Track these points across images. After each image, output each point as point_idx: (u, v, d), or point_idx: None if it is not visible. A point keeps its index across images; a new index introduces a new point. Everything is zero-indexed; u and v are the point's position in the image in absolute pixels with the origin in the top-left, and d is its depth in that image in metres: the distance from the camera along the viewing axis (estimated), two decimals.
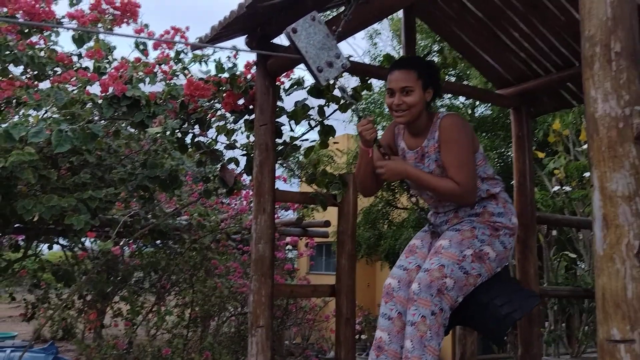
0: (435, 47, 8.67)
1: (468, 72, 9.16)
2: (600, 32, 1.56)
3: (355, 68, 3.57)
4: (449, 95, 9.30)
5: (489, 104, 8.93)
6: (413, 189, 2.57)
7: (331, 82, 2.43)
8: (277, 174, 3.82)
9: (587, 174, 5.13)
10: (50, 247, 5.75)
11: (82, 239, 5.78)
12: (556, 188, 5.76)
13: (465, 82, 9.09)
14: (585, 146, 5.64)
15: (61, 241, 5.86)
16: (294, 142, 3.70)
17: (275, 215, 6.67)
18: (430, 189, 2.36)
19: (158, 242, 5.77)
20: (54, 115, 3.49)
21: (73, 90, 3.74)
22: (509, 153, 7.93)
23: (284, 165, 4.50)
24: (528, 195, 4.08)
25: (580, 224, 4.98)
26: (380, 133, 2.69)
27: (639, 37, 1.59)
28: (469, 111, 9.98)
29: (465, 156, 2.31)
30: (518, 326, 4.01)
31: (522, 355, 3.94)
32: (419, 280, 2.25)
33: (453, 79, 9.28)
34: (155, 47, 4.25)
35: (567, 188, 5.67)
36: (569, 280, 5.85)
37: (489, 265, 2.33)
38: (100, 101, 3.48)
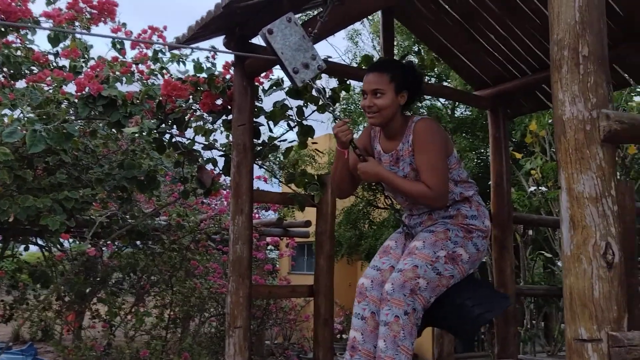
0: (416, 49, 8.72)
1: (449, 73, 9.23)
2: (568, 36, 1.59)
3: (333, 69, 3.58)
4: (429, 96, 9.35)
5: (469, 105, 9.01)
6: (387, 191, 2.59)
7: (309, 82, 2.43)
8: (257, 174, 3.83)
9: None
10: (26, 248, 5.68)
11: (60, 240, 5.72)
12: (533, 188, 5.84)
13: (445, 83, 9.16)
14: None
15: (39, 242, 5.80)
16: (273, 143, 3.70)
17: (256, 216, 6.69)
18: (401, 191, 2.38)
19: (138, 242, 5.74)
20: (28, 115, 3.44)
21: (48, 89, 3.70)
22: (488, 154, 8.01)
23: (264, 166, 4.49)
24: (505, 195, 4.12)
25: (556, 224, 5.05)
26: (359, 134, 2.70)
27: (607, 42, 1.62)
28: (449, 112, 10.05)
29: (437, 160, 2.34)
30: (495, 325, 4.06)
31: (498, 354, 3.99)
32: (393, 281, 2.27)
33: (433, 80, 9.34)
34: (132, 47, 4.23)
35: (543, 188, 5.74)
36: (545, 279, 5.92)
37: (461, 267, 2.36)
38: (76, 101, 3.44)
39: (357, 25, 11.75)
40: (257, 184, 3.54)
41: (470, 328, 2.38)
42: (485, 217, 2.47)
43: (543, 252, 5.93)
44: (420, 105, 9.54)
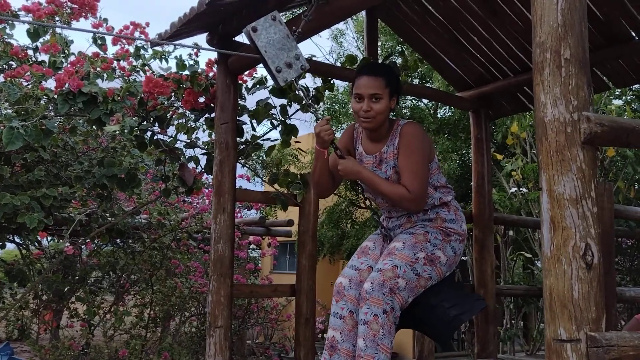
0: (399, 49, 8.74)
1: (431, 74, 9.26)
2: (550, 39, 1.60)
3: (317, 68, 3.58)
4: (412, 97, 9.38)
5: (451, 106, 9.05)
6: (367, 192, 2.60)
7: (291, 82, 2.42)
8: (240, 173, 3.82)
9: None
10: (3, 246, 5.58)
11: (38, 238, 5.63)
12: (513, 189, 5.89)
13: (428, 84, 9.20)
14: None
15: (16, 239, 5.70)
16: (256, 141, 3.68)
17: (239, 215, 6.66)
18: (380, 192, 2.38)
19: (118, 241, 5.67)
20: (7, 111, 3.38)
21: (27, 85, 3.64)
22: (470, 155, 8.06)
23: (247, 164, 4.46)
24: (486, 196, 4.16)
25: (536, 225, 5.10)
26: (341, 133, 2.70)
27: (588, 45, 1.64)
28: (432, 112, 10.09)
29: (420, 165, 2.35)
30: (475, 324, 4.09)
31: (478, 353, 4.01)
32: (372, 280, 2.28)
33: (416, 81, 9.37)
34: (114, 43, 4.18)
35: (524, 189, 5.80)
36: (525, 279, 5.98)
37: (439, 269, 2.39)
38: (55, 97, 3.39)
39: (341, 25, 11.76)
40: (240, 183, 3.53)
41: (446, 329, 2.39)
42: (462, 221, 2.50)
43: (523, 252, 5.99)
44: (403, 105, 9.58)
